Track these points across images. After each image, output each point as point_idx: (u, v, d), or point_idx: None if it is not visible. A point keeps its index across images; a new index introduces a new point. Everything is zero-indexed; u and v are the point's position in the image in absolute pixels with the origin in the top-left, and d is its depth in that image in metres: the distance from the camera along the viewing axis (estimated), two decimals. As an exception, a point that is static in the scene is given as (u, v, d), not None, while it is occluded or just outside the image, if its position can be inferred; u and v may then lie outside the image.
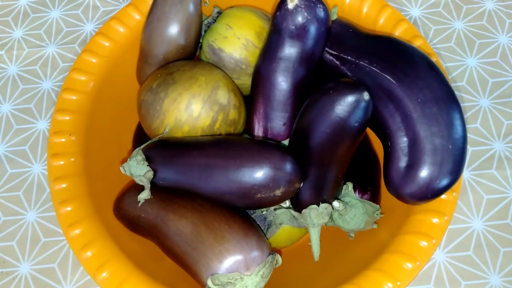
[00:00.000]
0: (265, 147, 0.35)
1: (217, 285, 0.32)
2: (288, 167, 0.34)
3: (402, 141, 0.34)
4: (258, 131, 0.39)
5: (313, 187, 0.36)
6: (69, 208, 0.37)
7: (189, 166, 0.35)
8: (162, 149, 0.37)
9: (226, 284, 0.32)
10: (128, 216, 0.38)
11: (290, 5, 0.36)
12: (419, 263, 0.34)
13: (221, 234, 0.34)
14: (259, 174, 0.33)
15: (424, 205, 0.35)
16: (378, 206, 0.38)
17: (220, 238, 0.33)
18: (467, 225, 0.46)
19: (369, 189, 0.39)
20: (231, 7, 0.45)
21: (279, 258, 0.35)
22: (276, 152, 0.34)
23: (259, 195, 0.34)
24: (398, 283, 0.33)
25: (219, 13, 0.44)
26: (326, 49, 0.39)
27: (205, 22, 0.44)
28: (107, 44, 0.44)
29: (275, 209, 0.39)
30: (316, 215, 0.36)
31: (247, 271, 0.33)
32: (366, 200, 0.38)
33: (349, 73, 0.38)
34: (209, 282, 0.32)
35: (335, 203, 0.37)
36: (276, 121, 0.38)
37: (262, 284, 0.33)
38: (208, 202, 0.36)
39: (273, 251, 0.35)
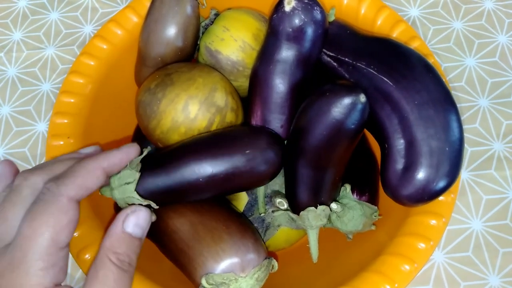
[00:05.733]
0: None
1: (211, 284, 0.32)
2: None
3: (399, 143, 0.34)
4: (256, 133, 0.39)
5: (311, 189, 0.36)
6: (67, 211, 0.37)
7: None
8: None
9: (220, 284, 0.32)
10: None
11: (287, 8, 0.36)
12: (416, 265, 0.34)
13: (218, 234, 0.34)
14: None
15: (422, 207, 0.35)
16: (376, 207, 0.38)
17: (217, 238, 0.33)
18: (466, 226, 0.46)
19: (367, 191, 0.39)
20: (228, 9, 0.45)
21: (275, 263, 0.35)
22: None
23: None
24: (396, 285, 0.33)
25: (217, 15, 0.44)
26: (324, 50, 0.39)
27: (203, 24, 0.44)
28: (105, 46, 0.44)
29: (273, 211, 0.39)
30: (314, 217, 0.36)
31: (242, 273, 0.33)
32: (364, 202, 0.38)
33: (346, 75, 0.38)
34: (203, 281, 0.32)
35: (333, 205, 0.37)
36: (273, 123, 0.38)
37: (257, 287, 0.33)
38: (207, 202, 0.36)
39: (270, 255, 0.35)
